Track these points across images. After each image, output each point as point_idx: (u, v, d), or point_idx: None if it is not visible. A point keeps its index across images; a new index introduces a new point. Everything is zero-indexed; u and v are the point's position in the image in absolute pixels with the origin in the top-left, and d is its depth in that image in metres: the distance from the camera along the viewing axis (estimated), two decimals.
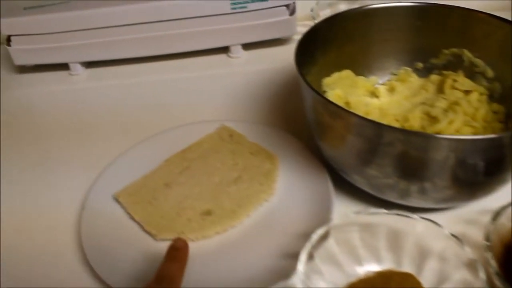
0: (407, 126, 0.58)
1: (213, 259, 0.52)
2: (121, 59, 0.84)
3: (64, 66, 0.84)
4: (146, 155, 0.63)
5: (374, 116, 0.59)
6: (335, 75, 0.63)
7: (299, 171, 0.59)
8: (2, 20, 0.78)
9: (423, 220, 0.47)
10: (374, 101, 0.63)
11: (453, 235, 0.46)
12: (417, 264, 0.48)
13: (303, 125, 0.64)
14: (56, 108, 0.78)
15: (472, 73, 0.62)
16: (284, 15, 0.81)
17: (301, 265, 0.45)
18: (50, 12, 0.79)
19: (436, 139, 0.45)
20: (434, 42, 0.64)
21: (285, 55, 0.81)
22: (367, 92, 0.65)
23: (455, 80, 0.62)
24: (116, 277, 0.49)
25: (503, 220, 0.48)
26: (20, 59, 0.83)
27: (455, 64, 0.63)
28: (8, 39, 0.81)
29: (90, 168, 0.63)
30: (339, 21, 0.62)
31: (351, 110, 0.48)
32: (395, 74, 0.67)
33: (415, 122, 0.58)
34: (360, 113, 0.47)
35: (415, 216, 0.48)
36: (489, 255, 0.45)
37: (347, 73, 0.64)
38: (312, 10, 0.82)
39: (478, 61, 0.62)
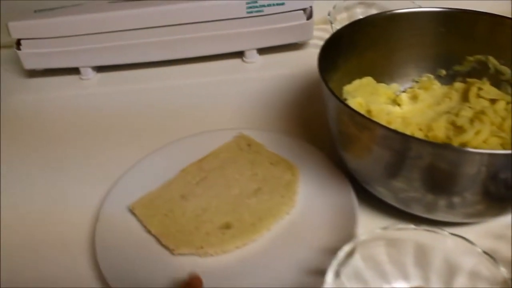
0: (431, 135, 0.57)
1: (233, 274, 0.50)
2: (133, 63, 0.82)
3: (74, 71, 0.82)
4: (161, 164, 0.61)
5: (396, 125, 0.57)
6: (356, 82, 0.62)
7: (320, 182, 0.57)
8: (11, 23, 0.77)
9: (453, 236, 0.46)
10: (396, 109, 0.62)
11: (485, 252, 0.44)
12: (446, 281, 0.46)
13: (323, 134, 0.62)
14: (66, 114, 0.76)
15: (497, 81, 0.61)
16: (301, 19, 0.79)
17: (327, 285, 0.43)
18: (60, 16, 0.78)
19: (470, 154, 0.43)
20: (458, 48, 0.62)
21: (301, 60, 0.80)
22: (389, 100, 0.63)
23: (480, 88, 0.60)
24: None
25: None
26: (30, 63, 0.81)
27: (480, 72, 0.62)
28: (18, 43, 0.79)
29: (103, 177, 0.62)
30: (362, 26, 0.60)
31: (378, 121, 0.46)
32: (416, 81, 0.65)
33: (440, 132, 0.57)
34: (382, 122, 0.46)
35: (445, 232, 0.46)
36: None
37: (368, 80, 0.63)
38: (329, 14, 0.80)
39: (504, 69, 0.60)
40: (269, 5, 0.76)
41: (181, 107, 0.74)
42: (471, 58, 0.62)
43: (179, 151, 0.63)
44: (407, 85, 0.65)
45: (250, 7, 0.76)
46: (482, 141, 0.54)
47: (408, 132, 0.56)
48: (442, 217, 0.51)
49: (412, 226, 0.47)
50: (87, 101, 0.78)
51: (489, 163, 0.43)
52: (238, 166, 0.60)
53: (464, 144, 0.54)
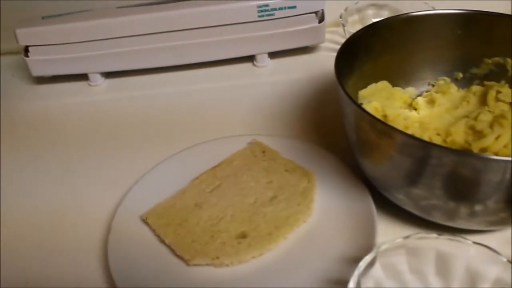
0: (449, 140, 0.55)
1: (249, 285, 0.49)
2: (143, 69, 0.81)
3: (83, 77, 0.82)
4: (173, 172, 0.60)
5: (414, 130, 0.56)
6: (372, 87, 0.60)
7: (337, 189, 0.56)
8: (19, 30, 0.76)
9: (477, 245, 0.44)
10: (413, 114, 0.60)
11: (510, 261, 0.43)
12: None
13: (338, 139, 0.61)
14: (75, 121, 0.75)
15: None
16: (313, 23, 0.77)
17: None
18: (68, 22, 0.77)
19: (495, 162, 0.42)
20: (475, 50, 0.61)
21: (313, 63, 0.79)
22: (404, 105, 0.62)
23: (499, 92, 0.59)
24: None
25: None
26: (38, 70, 0.80)
27: (497, 74, 0.60)
28: (26, 50, 0.78)
29: (114, 186, 0.61)
30: (378, 29, 0.59)
31: (399, 128, 0.45)
32: (432, 85, 0.64)
33: (458, 137, 0.55)
34: (400, 127, 0.44)
35: (468, 241, 0.45)
36: None
37: (383, 85, 0.61)
38: (341, 17, 0.79)
39: None
40: (280, 9, 0.75)
41: (191, 113, 0.73)
42: (488, 61, 0.61)
43: (191, 158, 0.62)
44: (423, 88, 0.64)
45: (262, 11, 0.75)
46: (503, 146, 0.53)
47: (425, 137, 0.54)
48: (463, 225, 0.50)
49: (434, 234, 0.46)
50: (96, 108, 0.77)
51: None
52: (253, 174, 0.59)
53: (484, 150, 0.53)
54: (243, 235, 0.52)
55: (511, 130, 0.54)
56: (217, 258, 0.50)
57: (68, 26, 0.76)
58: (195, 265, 0.51)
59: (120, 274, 0.49)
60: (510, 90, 0.59)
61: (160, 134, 0.70)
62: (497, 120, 0.56)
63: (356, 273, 0.43)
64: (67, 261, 0.54)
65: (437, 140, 0.55)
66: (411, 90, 0.63)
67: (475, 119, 0.56)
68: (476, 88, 0.61)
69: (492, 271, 0.44)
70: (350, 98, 0.48)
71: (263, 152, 0.61)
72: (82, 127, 0.73)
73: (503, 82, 0.60)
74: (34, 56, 0.78)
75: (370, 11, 0.83)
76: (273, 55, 0.82)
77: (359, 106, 0.47)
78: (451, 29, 0.60)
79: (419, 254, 0.46)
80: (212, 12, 0.75)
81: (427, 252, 0.46)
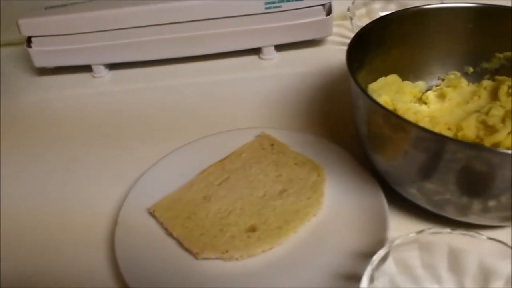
0: (460, 135, 0.55)
1: (259, 279, 0.48)
2: (147, 60, 0.80)
3: (86, 68, 0.81)
4: (180, 165, 0.59)
5: (424, 124, 0.55)
6: (381, 80, 0.60)
7: (348, 183, 0.56)
8: (22, 20, 0.75)
9: (491, 240, 0.44)
10: (423, 108, 0.60)
11: None
12: (481, 286, 0.44)
13: (347, 132, 0.61)
14: (78, 113, 0.74)
15: None
16: (321, 15, 0.77)
17: None
18: (72, 12, 0.76)
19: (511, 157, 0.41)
20: (486, 45, 0.60)
21: (320, 56, 0.79)
22: (414, 99, 0.62)
23: (510, 86, 0.58)
24: None
25: None
26: (41, 61, 0.79)
27: (508, 69, 0.60)
28: (29, 40, 0.77)
29: (119, 178, 0.60)
30: (388, 22, 0.58)
31: (414, 122, 0.44)
32: (442, 79, 0.63)
33: (470, 131, 0.55)
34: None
35: (482, 236, 0.44)
36: None
37: (393, 78, 0.61)
38: (348, 10, 0.79)
39: None
40: (287, 1, 0.74)
41: (196, 106, 0.73)
42: (500, 55, 0.60)
43: (199, 151, 0.61)
44: (432, 82, 0.63)
45: (269, 3, 0.74)
46: None
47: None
48: (476, 220, 0.49)
49: (447, 229, 0.45)
50: (100, 100, 0.77)
51: None
52: (261, 167, 0.58)
53: (496, 145, 0.52)
54: (253, 229, 0.52)
55: None
56: (227, 251, 0.50)
57: (71, 16, 0.75)
58: (203, 258, 0.50)
59: (127, 267, 0.48)
60: None
61: (165, 126, 0.69)
62: (509, 115, 0.55)
63: (370, 268, 0.43)
64: (74, 255, 0.53)
65: (448, 135, 0.55)
66: (421, 84, 0.63)
67: (487, 113, 0.56)
68: (487, 82, 0.61)
69: (506, 267, 0.44)
70: (364, 91, 0.47)
71: (272, 145, 0.60)
72: (86, 119, 0.72)
73: None
74: (37, 47, 0.77)
75: (377, 5, 0.82)
76: (279, 48, 0.81)
77: (373, 99, 0.46)
78: (461, 23, 0.59)
79: (432, 249, 0.45)
80: (218, 4, 0.74)
81: (440, 247, 0.45)
